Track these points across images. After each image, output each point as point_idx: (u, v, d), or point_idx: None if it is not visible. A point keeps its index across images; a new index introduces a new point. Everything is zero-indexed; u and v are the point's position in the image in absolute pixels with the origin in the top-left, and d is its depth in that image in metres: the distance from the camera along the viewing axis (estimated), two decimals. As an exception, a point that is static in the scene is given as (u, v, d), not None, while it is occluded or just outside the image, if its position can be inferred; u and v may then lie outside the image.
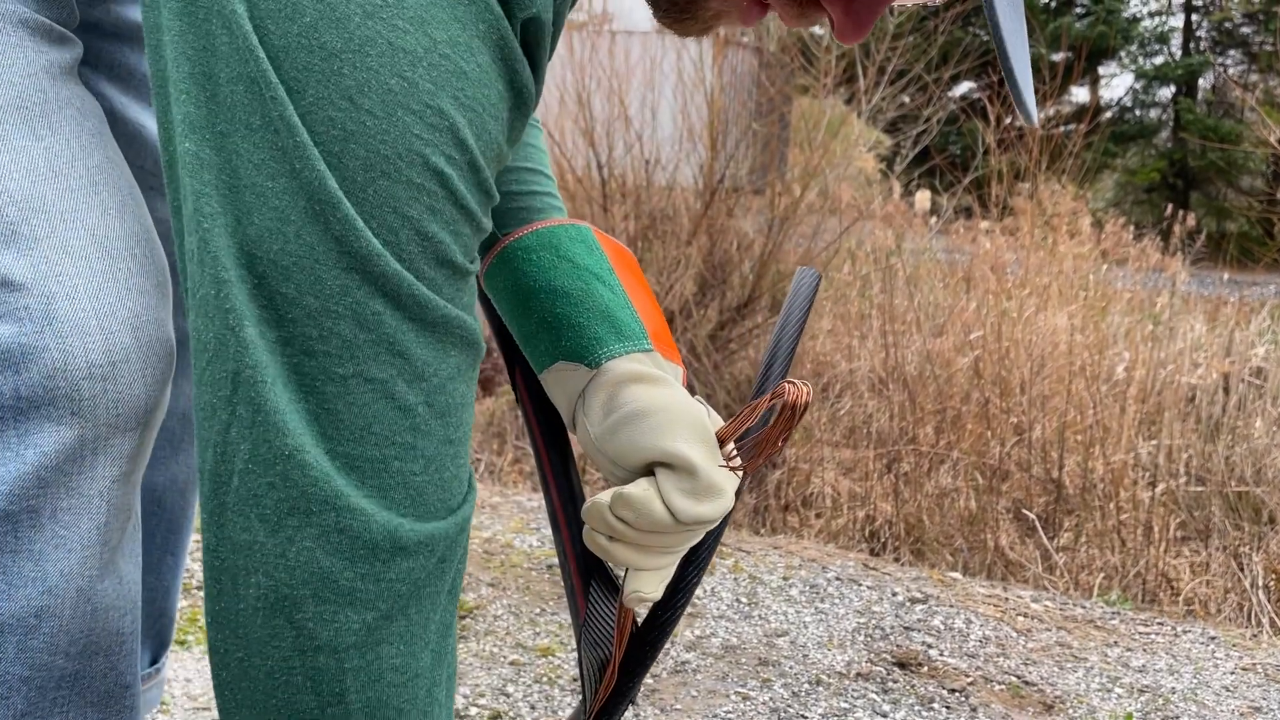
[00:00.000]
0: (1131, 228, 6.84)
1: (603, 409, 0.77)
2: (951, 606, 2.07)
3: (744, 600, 2.01)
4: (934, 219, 6.63)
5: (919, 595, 2.10)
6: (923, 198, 6.65)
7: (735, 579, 2.11)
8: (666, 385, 0.76)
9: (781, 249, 5.05)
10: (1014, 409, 3.98)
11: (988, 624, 2.01)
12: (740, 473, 0.73)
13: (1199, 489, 3.57)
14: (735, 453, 0.74)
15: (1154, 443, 3.77)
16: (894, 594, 2.10)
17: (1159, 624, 2.15)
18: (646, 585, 0.76)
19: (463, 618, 1.86)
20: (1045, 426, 3.80)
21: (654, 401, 0.75)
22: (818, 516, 3.65)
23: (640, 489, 0.72)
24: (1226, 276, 7.19)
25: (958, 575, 2.35)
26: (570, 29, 5.30)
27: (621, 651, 0.80)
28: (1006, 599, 2.17)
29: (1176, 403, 4.08)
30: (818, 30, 6.30)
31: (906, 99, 6.05)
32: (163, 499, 0.95)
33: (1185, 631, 2.10)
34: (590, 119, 4.90)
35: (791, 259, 5.10)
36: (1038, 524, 3.23)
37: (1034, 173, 5.49)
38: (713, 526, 0.75)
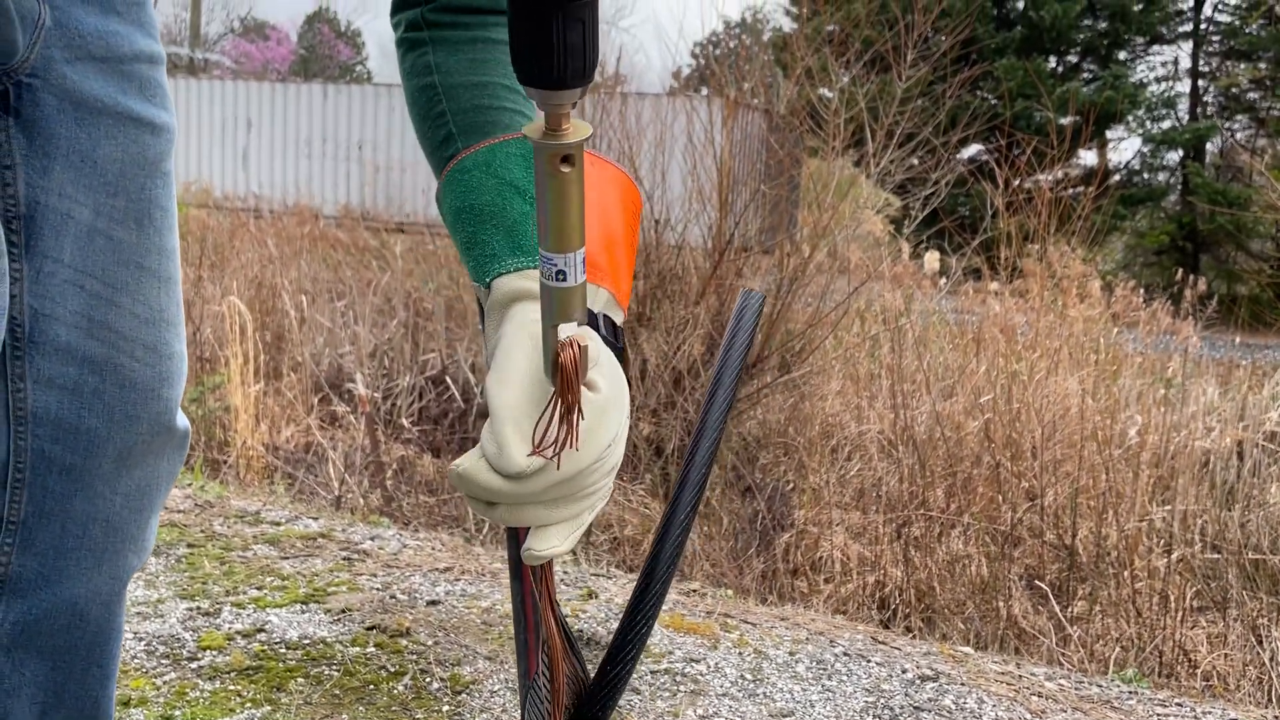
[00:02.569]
0: (1141, 291, 6.83)
1: (495, 332, 0.70)
2: (963, 685, 2.01)
3: (749, 677, 1.96)
4: (943, 280, 6.63)
5: (929, 672, 2.05)
6: (931, 259, 6.65)
7: (740, 653, 2.06)
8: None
9: (790, 309, 5.04)
10: (1025, 473, 3.93)
11: (1000, 704, 1.94)
12: (554, 451, 0.63)
13: (1214, 556, 3.50)
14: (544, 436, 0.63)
15: (1168, 508, 3.71)
16: (904, 670, 2.04)
17: (1177, 704, 2.08)
18: (542, 541, 0.64)
19: (458, 693, 1.80)
20: (1058, 492, 3.75)
21: (507, 329, 0.68)
22: (827, 581, 3.59)
23: (470, 458, 0.63)
24: (1238, 340, 7.15)
25: (969, 650, 2.29)
26: (581, 91, 5.36)
27: (560, 712, 0.73)
28: (1020, 676, 2.11)
29: (1190, 467, 4.02)
30: (826, 93, 6.35)
31: (915, 161, 6.08)
32: (85, 612, 0.90)
33: (1205, 714, 2.04)
34: (600, 179, 4.92)
35: (800, 319, 5.08)
36: (1050, 595, 3.16)
37: (1043, 235, 5.49)
38: (567, 475, 0.63)
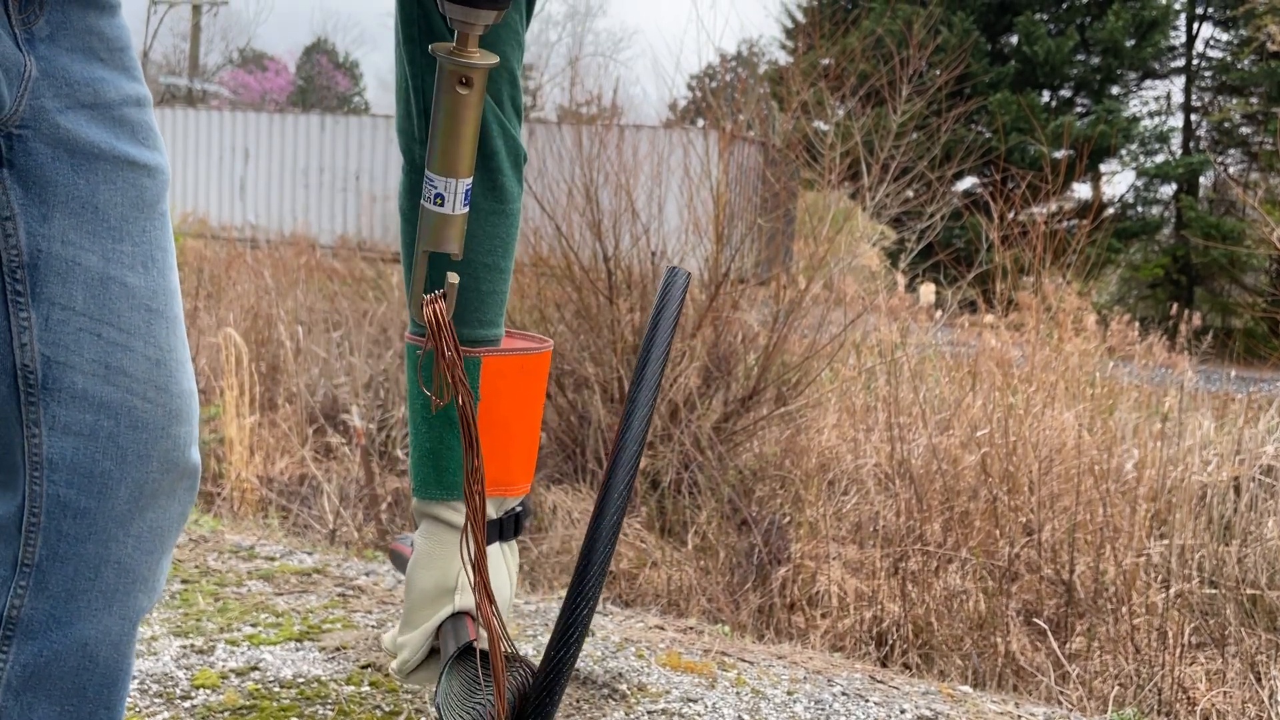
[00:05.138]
0: (1136, 324, 6.85)
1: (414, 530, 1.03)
2: (962, 725, 1.99)
3: (746, 717, 1.94)
4: (938, 313, 6.64)
5: (928, 713, 2.03)
6: (927, 292, 6.67)
7: (738, 693, 2.04)
8: (434, 557, 1.02)
9: (786, 341, 5.03)
10: (1022, 507, 3.92)
11: (1000, 745, 1.93)
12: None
13: (1212, 591, 3.49)
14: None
15: (1165, 543, 3.69)
16: (902, 711, 2.03)
17: (1178, 745, 2.06)
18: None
19: (454, 734, 1.78)
20: (1055, 526, 3.73)
21: (412, 568, 1.03)
22: (824, 616, 3.56)
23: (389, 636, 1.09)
24: (1233, 373, 7.16)
25: (968, 690, 2.27)
26: (579, 123, 5.39)
27: (503, 700, 0.78)
28: (1019, 717, 2.09)
29: (1187, 502, 4.01)
30: (822, 126, 6.40)
31: (910, 194, 6.11)
32: (95, 654, 0.89)
33: (1206, 754, 2.02)
34: (598, 212, 4.95)
35: (796, 351, 5.08)
36: (1048, 631, 3.14)
37: (1038, 268, 5.50)
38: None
